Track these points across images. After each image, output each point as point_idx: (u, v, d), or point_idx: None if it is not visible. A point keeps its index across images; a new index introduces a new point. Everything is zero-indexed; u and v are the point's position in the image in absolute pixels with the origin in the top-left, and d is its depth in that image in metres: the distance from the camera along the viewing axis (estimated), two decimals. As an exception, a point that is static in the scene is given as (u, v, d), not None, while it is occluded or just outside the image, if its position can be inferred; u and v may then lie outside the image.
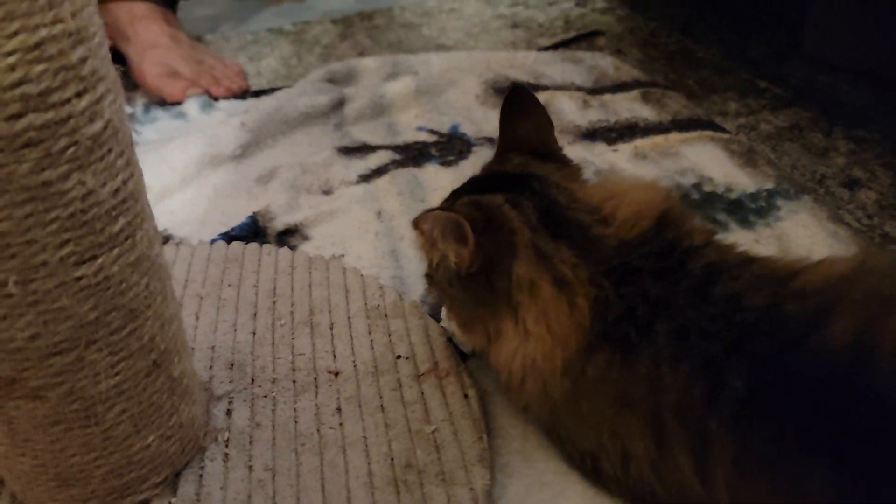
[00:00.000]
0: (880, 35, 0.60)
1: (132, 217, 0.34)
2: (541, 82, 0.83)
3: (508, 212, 0.39)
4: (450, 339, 0.49)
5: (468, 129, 0.76)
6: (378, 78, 0.85)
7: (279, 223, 0.62)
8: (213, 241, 0.60)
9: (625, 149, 0.71)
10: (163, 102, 0.83)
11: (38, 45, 0.28)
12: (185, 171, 0.68)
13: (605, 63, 0.86)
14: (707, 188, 0.65)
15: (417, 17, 1.09)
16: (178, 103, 0.81)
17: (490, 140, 0.74)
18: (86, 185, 0.31)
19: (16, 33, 0.27)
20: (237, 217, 0.63)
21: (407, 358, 0.47)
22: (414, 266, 0.58)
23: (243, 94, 0.86)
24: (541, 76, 0.84)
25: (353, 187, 0.68)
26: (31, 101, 0.28)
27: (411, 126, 0.77)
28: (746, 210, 0.62)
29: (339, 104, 0.78)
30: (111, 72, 0.32)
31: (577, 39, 0.94)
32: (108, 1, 0.90)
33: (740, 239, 0.55)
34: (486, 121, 0.77)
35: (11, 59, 0.27)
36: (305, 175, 0.68)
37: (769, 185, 0.65)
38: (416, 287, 0.56)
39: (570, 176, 0.43)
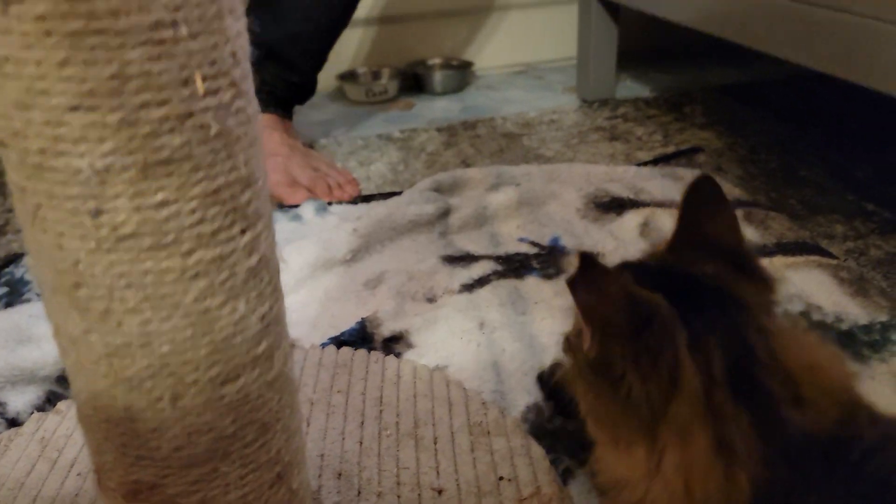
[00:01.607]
0: None
1: (273, 339, 0.37)
2: (640, 198, 0.84)
3: (680, 343, 0.34)
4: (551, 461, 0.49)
5: (568, 242, 0.77)
6: (482, 188, 0.88)
7: (386, 329, 0.65)
8: (323, 345, 0.63)
9: (728, 270, 0.71)
10: (281, 206, 0.89)
11: (216, 191, 0.32)
12: (299, 274, 0.72)
13: (706, 180, 0.87)
14: (816, 317, 0.64)
15: (518, 127, 1.13)
16: (296, 206, 0.87)
17: (590, 254, 0.75)
18: (238, 311, 0.34)
19: (199, 181, 0.31)
20: (346, 320, 0.67)
21: (510, 480, 0.47)
22: (514, 381, 0.59)
23: (355, 200, 0.92)
24: (640, 191, 0.85)
25: (457, 296, 0.70)
26: (204, 238, 0.32)
27: (513, 237, 0.79)
28: (859, 343, 0.60)
29: (445, 213, 0.82)
30: (269, 209, 0.36)
31: (677, 155, 0.96)
32: (236, 109, 0.99)
33: (855, 375, 0.54)
34: (586, 234, 0.78)
35: (193, 204, 0.31)
36: (411, 282, 0.71)
37: (883, 317, 0.63)
38: (518, 403, 0.56)
39: (768, 305, 0.37)
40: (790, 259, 0.72)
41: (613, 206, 0.82)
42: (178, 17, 0.28)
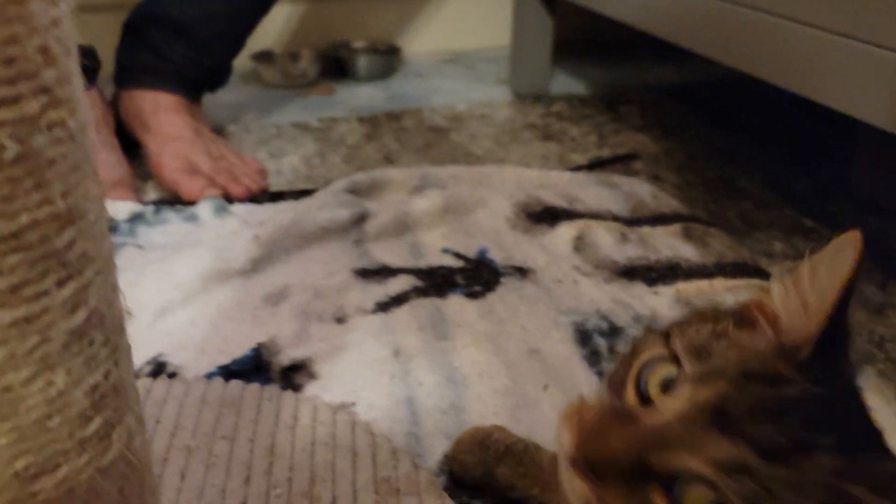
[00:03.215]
0: None
1: (111, 413, 0.28)
2: (575, 207, 0.78)
3: None
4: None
5: (497, 255, 0.71)
6: (404, 191, 0.81)
7: (285, 357, 0.57)
8: (210, 375, 0.54)
9: (666, 292, 0.66)
10: (176, 199, 0.79)
11: (15, 234, 0.23)
12: (189, 287, 0.63)
13: (643, 191, 0.82)
14: (757, 348, 0.59)
15: (447, 120, 1.06)
16: (193, 203, 0.77)
17: (519, 270, 0.68)
18: (55, 385, 0.25)
19: (-9, 220, 0.22)
20: (239, 344, 0.58)
21: (420, 556, 0.41)
22: (432, 421, 0.52)
23: (261, 193, 0.82)
24: (574, 200, 0.80)
25: (370, 317, 0.62)
26: (1, 295, 0.23)
27: (436, 247, 0.72)
28: (802, 379, 0.56)
29: (361, 219, 0.74)
30: (105, 248, 0.27)
31: (613, 161, 0.91)
32: (133, 88, 0.88)
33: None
34: (515, 247, 0.72)
35: (-21, 252, 0.22)
36: (318, 300, 0.63)
37: (827, 351, 0.59)
38: (434, 448, 0.49)
39: None
40: (730, 282, 0.67)
41: (546, 216, 0.76)
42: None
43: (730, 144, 0.99)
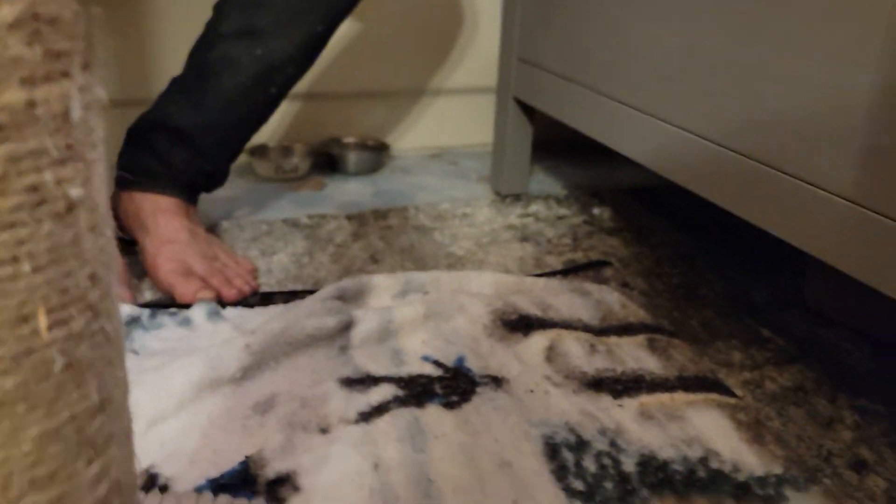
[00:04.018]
0: (876, 294, 0.62)
1: (123, 569, 0.32)
2: (548, 315, 0.83)
3: None
4: None
5: (473, 364, 0.75)
6: (388, 295, 0.86)
7: (271, 470, 0.60)
8: (199, 489, 0.57)
9: (630, 405, 0.71)
10: (171, 301, 0.84)
11: (57, 429, 0.27)
12: (182, 396, 0.66)
13: (612, 299, 0.88)
14: (714, 464, 0.64)
15: (431, 220, 1.12)
16: (187, 306, 0.81)
17: (494, 379, 0.73)
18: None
19: (37, 421, 0.27)
20: (229, 456, 0.61)
21: None
22: (408, 538, 0.55)
23: (253, 294, 0.87)
24: (548, 308, 0.85)
25: (352, 427, 0.66)
26: (39, 481, 0.27)
27: (417, 354, 0.76)
28: (754, 496, 0.60)
29: (347, 326, 0.78)
30: (126, 423, 0.32)
31: (585, 268, 0.96)
32: (133, 190, 0.93)
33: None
34: (491, 355, 0.77)
35: (27, 447, 0.27)
36: (304, 409, 0.67)
37: (777, 469, 0.63)
38: (409, 566, 0.53)
39: None
40: (690, 396, 0.72)
41: (520, 325, 0.81)
42: (19, 251, 0.24)
43: (694, 250, 1.06)
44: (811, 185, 0.64)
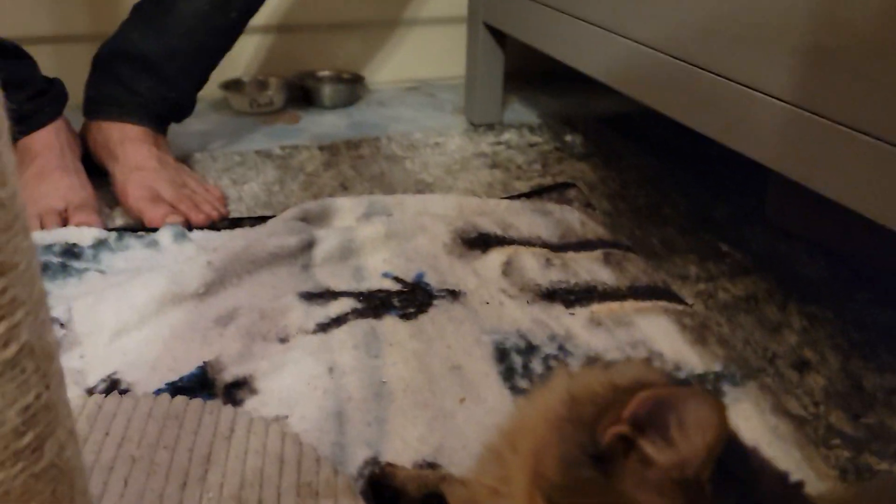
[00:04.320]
0: (833, 206, 0.63)
1: (42, 427, 0.34)
2: (507, 234, 0.85)
3: None
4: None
5: (432, 279, 0.77)
6: (352, 218, 0.87)
7: (228, 375, 0.63)
8: (158, 392, 0.60)
9: (581, 313, 0.73)
10: (140, 226, 0.86)
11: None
12: (144, 310, 0.69)
13: (573, 218, 0.89)
14: (656, 364, 0.66)
15: (402, 149, 1.13)
16: (155, 230, 0.83)
17: (451, 292, 0.75)
18: (-7, 405, 0.32)
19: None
20: (188, 363, 0.64)
21: (328, 548, 0.47)
22: (356, 432, 0.58)
23: (221, 220, 0.89)
24: (508, 227, 0.86)
25: (310, 336, 0.68)
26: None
27: (378, 271, 0.78)
28: (692, 393, 0.63)
29: (309, 245, 0.80)
30: (35, 290, 0.34)
31: (549, 190, 0.97)
32: (101, 119, 0.94)
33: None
34: (450, 271, 0.78)
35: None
36: (263, 321, 0.69)
37: (716, 366, 0.66)
38: (356, 456, 0.55)
39: None
40: (640, 304, 0.74)
41: (479, 242, 0.83)
42: None
43: (660, 173, 1.07)
44: (753, 89, 0.65)
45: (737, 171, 1.05)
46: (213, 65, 0.97)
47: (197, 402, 0.58)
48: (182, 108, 0.98)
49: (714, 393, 0.63)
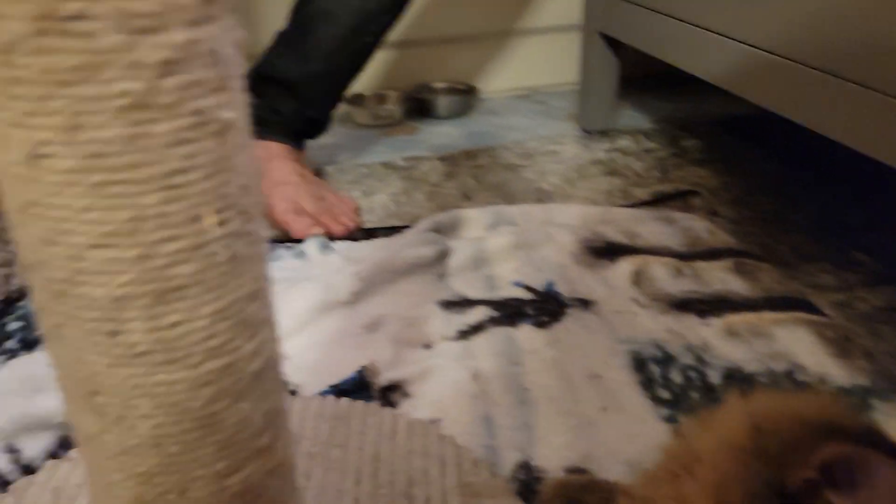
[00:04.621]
0: None
1: (275, 431, 0.40)
2: (634, 243, 0.86)
3: None
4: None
5: (563, 288, 0.80)
6: (480, 228, 0.91)
7: (383, 379, 0.67)
8: (323, 393, 0.65)
9: (716, 324, 0.73)
10: (286, 237, 0.92)
11: (224, 309, 0.34)
12: (302, 317, 0.74)
13: (699, 227, 0.89)
14: (799, 377, 0.66)
15: (519, 158, 1.16)
16: (300, 241, 0.90)
17: (583, 301, 0.77)
18: (243, 411, 0.37)
19: (209, 302, 0.34)
20: (345, 367, 0.69)
21: (496, 545, 0.50)
22: (505, 437, 0.61)
23: (357, 230, 0.94)
24: (634, 236, 0.88)
25: (452, 343, 0.72)
26: (213, 351, 0.34)
27: (509, 280, 0.82)
28: (838, 405, 0.63)
29: (443, 256, 0.84)
30: (273, 314, 0.39)
31: (673, 197, 0.98)
32: (246, 138, 1.01)
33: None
34: (579, 280, 0.81)
35: (203, 322, 0.34)
36: (409, 328, 0.74)
37: (864, 381, 0.65)
38: (508, 460, 0.59)
39: None
40: (777, 315, 0.74)
41: (607, 251, 0.85)
42: (190, 164, 0.31)
43: (784, 177, 1.05)
44: (882, 92, 0.64)
45: (868, 175, 1.03)
46: (348, 85, 1.03)
47: (360, 403, 0.63)
48: (320, 126, 1.04)
49: (862, 407, 0.63)
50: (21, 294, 0.81)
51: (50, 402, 0.60)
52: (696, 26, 0.92)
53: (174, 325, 0.33)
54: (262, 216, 0.36)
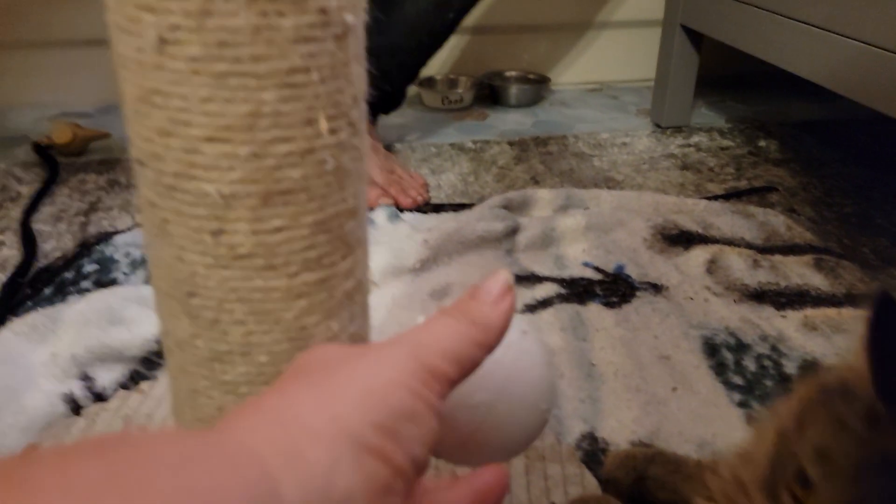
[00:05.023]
0: None
1: (358, 354, 0.39)
2: (709, 233, 0.84)
3: None
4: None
5: (633, 272, 0.78)
6: (551, 209, 0.90)
7: (449, 343, 0.67)
8: (388, 352, 0.65)
9: (794, 316, 0.71)
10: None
11: (325, 221, 0.34)
12: (371, 279, 0.75)
13: (777, 221, 0.87)
14: None
15: (590, 147, 1.14)
16: (370, 209, 0.90)
17: (653, 286, 0.76)
18: (332, 329, 0.37)
19: (312, 211, 0.34)
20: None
21: (562, 507, 0.49)
22: (571, 407, 0.60)
23: (425, 204, 0.94)
24: (709, 226, 0.86)
25: (518, 316, 0.71)
26: (310, 262, 0.34)
27: (578, 261, 0.80)
28: (924, 405, 0.60)
29: (513, 232, 0.84)
30: (366, 235, 0.38)
31: (750, 192, 0.95)
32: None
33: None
34: (651, 265, 0.79)
35: (305, 231, 0.34)
36: (476, 298, 0.73)
37: (952, 382, 0.62)
38: (573, 430, 0.58)
39: None
40: (859, 312, 0.71)
41: (681, 239, 0.83)
42: (311, 63, 0.31)
43: (868, 181, 1.01)
44: None
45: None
46: (425, 61, 1.04)
47: (425, 364, 0.63)
48: (394, 101, 1.05)
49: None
50: (98, 239, 0.83)
51: (124, 335, 0.61)
52: (796, 20, 0.90)
53: (277, 230, 0.33)
54: (364, 135, 0.36)
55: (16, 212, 0.90)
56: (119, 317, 0.63)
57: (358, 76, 0.34)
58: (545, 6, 1.39)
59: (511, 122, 1.27)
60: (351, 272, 0.37)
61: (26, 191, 0.96)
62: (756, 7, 0.96)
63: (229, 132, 0.31)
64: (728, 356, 0.66)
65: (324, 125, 0.32)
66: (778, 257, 0.80)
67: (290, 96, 0.31)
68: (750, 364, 0.65)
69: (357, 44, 0.33)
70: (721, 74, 1.38)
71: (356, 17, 0.33)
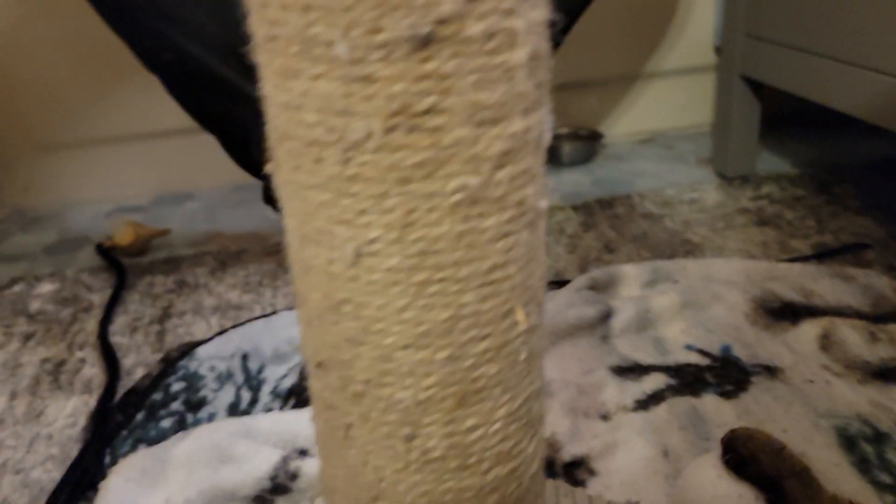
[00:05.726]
0: None
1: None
2: (813, 302, 0.80)
3: None
4: None
5: (741, 353, 0.74)
6: (637, 285, 0.87)
7: (566, 454, 0.63)
8: (506, 468, 0.62)
9: (927, 396, 0.67)
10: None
11: (517, 409, 0.31)
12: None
13: (881, 283, 0.83)
14: None
15: (657, 206, 1.11)
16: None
17: (767, 368, 0.72)
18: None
19: (505, 403, 0.31)
20: (521, 438, 0.66)
21: None
22: (713, 523, 0.56)
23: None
24: (811, 294, 0.82)
25: (632, 414, 0.68)
26: (503, 456, 0.31)
27: (679, 343, 0.77)
28: None
29: (606, 316, 0.80)
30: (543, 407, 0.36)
31: (842, 251, 0.91)
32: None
33: None
34: (759, 344, 0.75)
35: (498, 425, 0.31)
36: (582, 396, 0.70)
37: None
38: (720, 550, 0.54)
39: None
40: None
41: (786, 312, 0.79)
42: (509, 258, 0.28)
43: (966, 228, 0.97)
44: None
45: None
46: None
47: (549, 482, 0.59)
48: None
49: None
50: (180, 353, 0.81)
51: (236, 475, 0.59)
52: (853, 65, 0.87)
53: (471, 429, 0.30)
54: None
55: (91, 324, 0.88)
56: (228, 455, 0.60)
57: (542, 258, 0.31)
58: (590, 60, 1.37)
59: (569, 182, 1.24)
60: (535, 454, 0.34)
61: (97, 299, 0.94)
62: (822, 56, 0.94)
63: (427, 338, 0.28)
64: (868, 449, 0.62)
65: (521, 316, 0.29)
66: (893, 326, 0.76)
67: (490, 294, 0.28)
68: (894, 458, 0.61)
69: (543, 224, 0.31)
70: (779, 114, 1.35)
71: (546, 199, 0.30)
